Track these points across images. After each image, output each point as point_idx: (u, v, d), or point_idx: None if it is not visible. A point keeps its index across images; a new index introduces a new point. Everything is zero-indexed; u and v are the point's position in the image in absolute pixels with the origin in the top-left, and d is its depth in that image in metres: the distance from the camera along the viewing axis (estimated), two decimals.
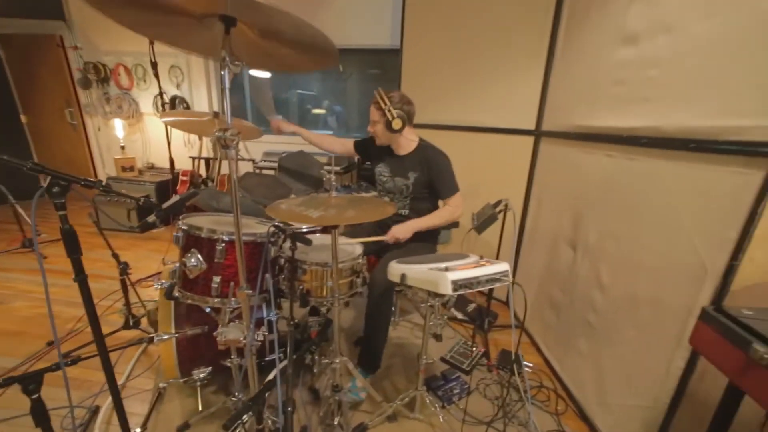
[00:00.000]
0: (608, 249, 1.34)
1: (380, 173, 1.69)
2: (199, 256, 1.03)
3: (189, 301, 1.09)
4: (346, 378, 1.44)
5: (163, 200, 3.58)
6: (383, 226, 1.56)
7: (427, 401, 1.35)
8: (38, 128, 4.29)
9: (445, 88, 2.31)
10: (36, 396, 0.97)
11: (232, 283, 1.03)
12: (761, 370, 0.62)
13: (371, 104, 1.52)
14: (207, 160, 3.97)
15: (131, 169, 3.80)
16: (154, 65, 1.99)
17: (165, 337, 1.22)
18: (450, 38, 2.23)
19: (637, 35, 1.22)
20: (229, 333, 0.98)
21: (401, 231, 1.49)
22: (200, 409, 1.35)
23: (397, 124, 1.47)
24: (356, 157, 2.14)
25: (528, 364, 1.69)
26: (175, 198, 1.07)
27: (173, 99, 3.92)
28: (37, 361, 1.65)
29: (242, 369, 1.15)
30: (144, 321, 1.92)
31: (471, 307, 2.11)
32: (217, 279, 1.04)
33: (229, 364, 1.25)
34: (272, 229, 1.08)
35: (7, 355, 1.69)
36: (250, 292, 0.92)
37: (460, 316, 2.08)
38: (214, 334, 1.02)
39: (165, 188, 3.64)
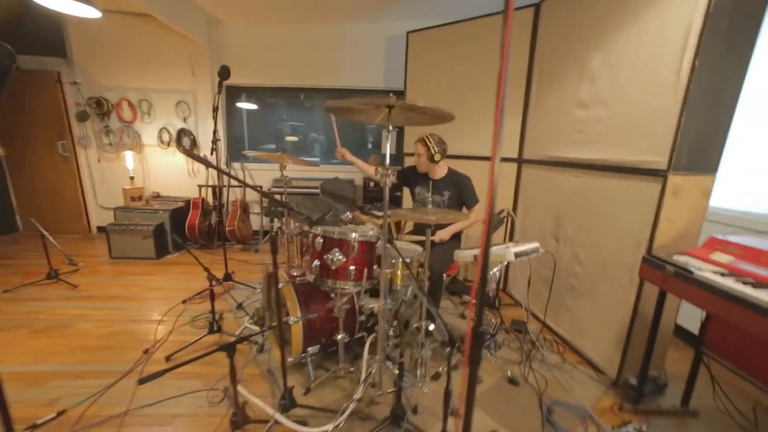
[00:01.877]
0: (581, 237, 2.06)
1: (419, 193, 2.28)
2: (340, 251, 1.51)
3: (324, 287, 1.55)
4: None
5: (179, 226, 3.74)
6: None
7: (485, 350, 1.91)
8: (20, 161, 4.18)
9: (445, 125, 3.01)
10: (232, 361, 1.34)
11: (365, 269, 1.52)
12: (671, 278, 1.31)
13: (417, 141, 2.13)
14: (213, 188, 4.21)
15: (140, 198, 3.90)
16: (215, 109, 2.36)
17: (294, 319, 1.63)
18: (447, 82, 2.96)
19: (587, 104, 2.01)
20: (371, 302, 1.46)
21: (444, 233, 2.08)
22: (312, 378, 1.75)
23: (438, 157, 2.09)
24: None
25: (530, 328, 2.34)
26: (320, 213, 1.53)
27: (180, 132, 4.15)
28: (144, 365, 1.88)
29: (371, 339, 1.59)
30: (224, 326, 2.22)
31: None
32: (352, 268, 1.52)
33: (337, 339, 1.70)
34: (373, 232, 1.60)
35: (111, 362, 1.90)
36: (387, 271, 1.42)
37: (429, 306, 2.70)
38: (360, 303, 1.49)
39: (180, 215, 3.81)
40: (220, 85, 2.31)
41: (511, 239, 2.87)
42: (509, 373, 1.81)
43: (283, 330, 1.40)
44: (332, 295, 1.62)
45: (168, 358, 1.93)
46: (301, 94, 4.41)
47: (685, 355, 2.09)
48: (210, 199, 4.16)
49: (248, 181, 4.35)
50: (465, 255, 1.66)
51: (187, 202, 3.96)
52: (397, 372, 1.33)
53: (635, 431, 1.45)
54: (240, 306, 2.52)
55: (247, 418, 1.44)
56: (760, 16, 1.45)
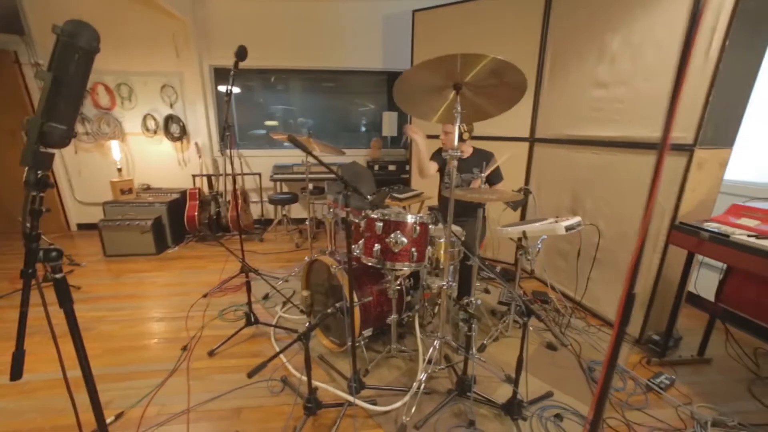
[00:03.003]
0: (602, 209, 2.20)
1: (448, 172, 2.31)
2: (402, 234, 1.53)
3: (383, 268, 1.57)
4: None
5: (177, 219, 3.52)
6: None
7: (516, 322, 2.03)
8: None
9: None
10: (306, 346, 1.33)
11: (425, 250, 1.55)
12: (706, 242, 1.46)
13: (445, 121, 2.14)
14: (209, 177, 3.98)
15: (129, 191, 3.63)
16: (228, 93, 2.20)
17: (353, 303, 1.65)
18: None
19: (606, 83, 2.11)
20: (435, 281, 1.50)
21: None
22: (367, 360, 1.79)
23: (466, 136, 2.13)
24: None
25: (551, 297, 2.51)
26: (376, 196, 1.53)
27: (167, 118, 3.85)
28: (188, 361, 1.82)
29: (409, 323, 1.64)
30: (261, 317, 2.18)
31: (498, 269, 2.87)
32: (413, 249, 1.54)
33: (389, 322, 1.74)
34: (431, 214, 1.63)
35: (151, 361, 1.83)
36: (452, 249, 1.46)
37: (492, 275, 2.82)
38: (424, 282, 1.52)
39: (176, 207, 3.59)
40: (236, 66, 2.15)
41: (522, 217, 3.01)
42: (546, 340, 1.96)
43: (342, 316, 1.41)
44: (388, 277, 1.64)
45: (211, 353, 1.88)
46: (272, 77, 4.21)
47: (690, 312, 2.34)
48: (206, 188, 3.94)
49: (245, 169, 4.17)
50: (511, 232, 1.74)
51: (183, 192, 3.74)
52: (458, 347, 1.40)
53: (667, 380, 1.63)
54: (267, 296, 2.49)
55: (320, 404, 1.46)
56: None
